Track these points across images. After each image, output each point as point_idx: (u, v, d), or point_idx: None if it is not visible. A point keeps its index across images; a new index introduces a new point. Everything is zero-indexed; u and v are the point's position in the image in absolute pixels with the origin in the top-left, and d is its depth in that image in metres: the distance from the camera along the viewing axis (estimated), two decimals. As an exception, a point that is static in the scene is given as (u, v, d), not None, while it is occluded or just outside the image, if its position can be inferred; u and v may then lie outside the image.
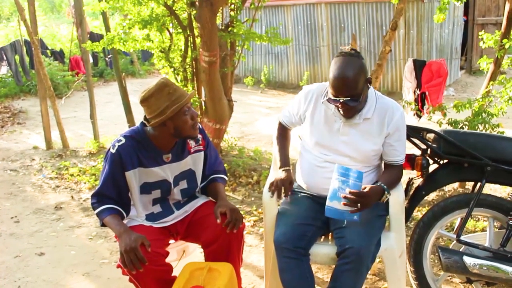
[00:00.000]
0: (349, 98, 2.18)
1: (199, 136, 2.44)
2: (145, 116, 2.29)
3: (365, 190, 2.15)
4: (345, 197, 2.10)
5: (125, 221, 2.30)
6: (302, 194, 2.46)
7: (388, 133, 2.31)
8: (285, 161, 2.52)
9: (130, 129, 2.35)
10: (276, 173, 2.54)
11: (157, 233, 2.31)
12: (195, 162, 2.44)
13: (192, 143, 2.42)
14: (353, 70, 2.17)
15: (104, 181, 2.27)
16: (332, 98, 2.22)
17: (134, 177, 2.28)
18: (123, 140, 2.26)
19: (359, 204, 2.10)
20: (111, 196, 2.28)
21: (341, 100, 2.19)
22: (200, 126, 2.44)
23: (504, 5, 4.19)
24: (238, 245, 2.35)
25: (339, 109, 2.25)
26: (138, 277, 2.10)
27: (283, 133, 2.64)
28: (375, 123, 2.31)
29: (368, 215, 2.23)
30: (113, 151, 2.24)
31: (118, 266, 2.13)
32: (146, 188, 2.33)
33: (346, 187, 2.13)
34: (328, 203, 2.16)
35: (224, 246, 2.29)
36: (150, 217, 2.39)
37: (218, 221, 2.25)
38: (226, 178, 2.61)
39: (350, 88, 2.17)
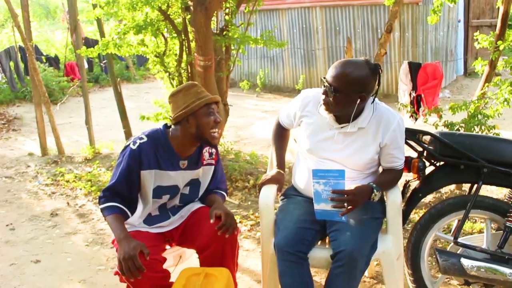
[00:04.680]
0: (329, 86, 2.18)
1: (213, 150, 2.47)
2: (170, 116, 2.32)
3: (350, 188, 2.17)
4: (332, 199, 2.14)
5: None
6: (300, 197, 2.45)
7: (385, 144, 2.30)
8: (280, 163, 2.56)
9: (152, 129, 2.37)
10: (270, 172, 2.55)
11: (154, 239, 2.30)
12: (204, 174, 2.46)
13: (206, 155, 2.43)
14: (353, 70, 2.18)
15: (120, 176, 2.25)
16: (324, 78, 2.24)
17: (150, 178, 2.28)
18: (145, 139, 2.28)
19: (345, 204, 2.13)
20: (122, 192, 2.26)
21: (325, 83, 2.21)
22: None
23: (498, 7, 4.21)
24: (233, 250, 2.34)
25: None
26: (136, 284, 2.09)
27: (281, 133, 2.66)
28: (371, 132, 2.30)
29: (362, 217, 2.24)
30: (133, 147, 2.25)
31: (116, 273, 2.12)
32: (158, 192, 2.34)
33: (329, 188, 2.16)
34: (316, 206, 2.21)
35: (219, 252, 2.28)
36: (147, 220, 2.39)
37: (212, 220, 2.25)
38: (226, 196, 2.63)
39: (337, 79, 2.18)
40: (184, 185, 2.40)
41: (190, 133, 2.27)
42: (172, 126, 2.33)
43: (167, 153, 2.30)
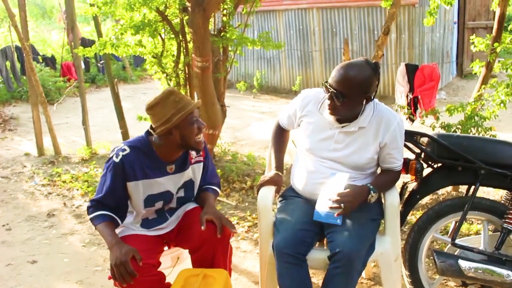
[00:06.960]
0: (335, 91, 2.18)
1: None
2: (151, 125, 2.27)
3: (346, 190, 2.19)
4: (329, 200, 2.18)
5: (119, 230, 2.30)
6: (299, 198, 2.46)
7: (385, 144, 2.31)
8: (279, 164, 2.56)
9: (135, 138, 2.32)
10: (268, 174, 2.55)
11: (151, 243, 2.30)
12: (194, 172, 2.44)
13: (193, 154, 2.40)
14: (357, 72, 2.19)
15: (106, 190, 2.23)
16: (327, 83, 2.23)
17: (137, 189, 2.26)
18: (128, 150, 2.22)
19: (342, 205, 2.15)
20: (109, 204, 2.25)
21: (330, 89, 2.21)
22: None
23: (493, 10, 4.23)
24: (224, 251, 2.33)
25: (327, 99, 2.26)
26: None
27: (281, 134, 2.66)
28: (371, 132, 2.31)
29: (361, 218, 2.24)
30: (116, 160, 2.20)
31: (110, 278, 2.12)
32: (150, 201, 2.32)
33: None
34: (317, 207, 2.25)
35: (209, 253, 2.28)
36: (145, 223, 2.38)
37: (203, 228, 2.22)
38: (219, 191, 2.60)
39: (342, 83, 2.18)
40: (177, 188, 2.37)
41: (175, 143, 2.24)
42: (155, 135, 2.26)
43: (152, 161, 2.26)
